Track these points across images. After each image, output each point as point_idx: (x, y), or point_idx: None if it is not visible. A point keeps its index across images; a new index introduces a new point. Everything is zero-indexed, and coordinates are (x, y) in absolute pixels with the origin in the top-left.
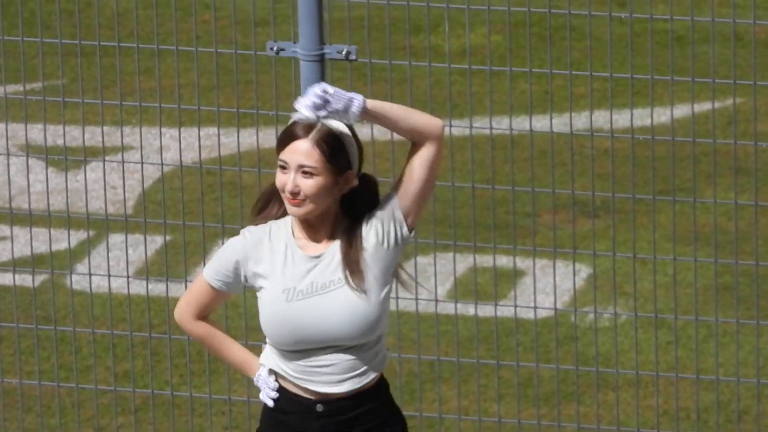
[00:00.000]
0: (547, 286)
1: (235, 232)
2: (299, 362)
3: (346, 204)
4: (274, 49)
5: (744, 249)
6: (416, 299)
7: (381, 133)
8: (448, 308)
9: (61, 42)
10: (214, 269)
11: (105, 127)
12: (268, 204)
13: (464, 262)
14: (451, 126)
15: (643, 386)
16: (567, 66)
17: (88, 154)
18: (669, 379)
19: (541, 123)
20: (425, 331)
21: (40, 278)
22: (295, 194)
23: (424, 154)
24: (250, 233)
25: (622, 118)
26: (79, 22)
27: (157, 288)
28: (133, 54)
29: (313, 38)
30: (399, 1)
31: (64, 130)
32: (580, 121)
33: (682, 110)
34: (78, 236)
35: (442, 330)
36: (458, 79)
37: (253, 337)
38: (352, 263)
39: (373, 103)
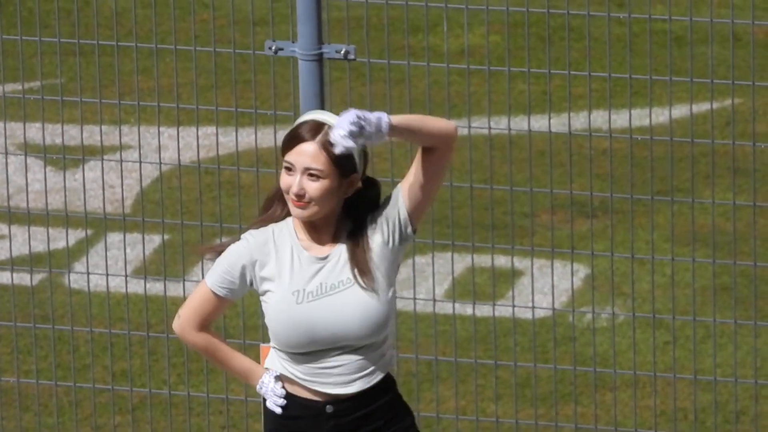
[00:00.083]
0: (545, 287)
1: (233, 232)
2: (309, 365)
3: (349, 205)
4: (273, 48)
5: (742, 249)
6: (414, 299)
7: None
8: (446, 308)
9: (59, 41)
10: (218, 276)
11: (103, 127)
12: (271, 206)
13: (462, 262)
14: None
15: (641, 386)
16: (565, 66)
17: (87, 153)
18: (667, 380)
19: (539, 123)
20: (423, 331)
21: (38, 277)
22: (300, 196)
23: (435, 158)
24: (253, 237)
25: (620, 119)
26: (77, 21)
27: (155, 287)
28: (132, 53)
29: (312, 38)
30: (397, 1)
31: (62, 129)
32: (579, 121)
33: (680, 110)
34: (76, 235)
35: (440, 330)
36: (457, 79)
37: (250, 336)
38: (360, 263)
39: (396, 119)
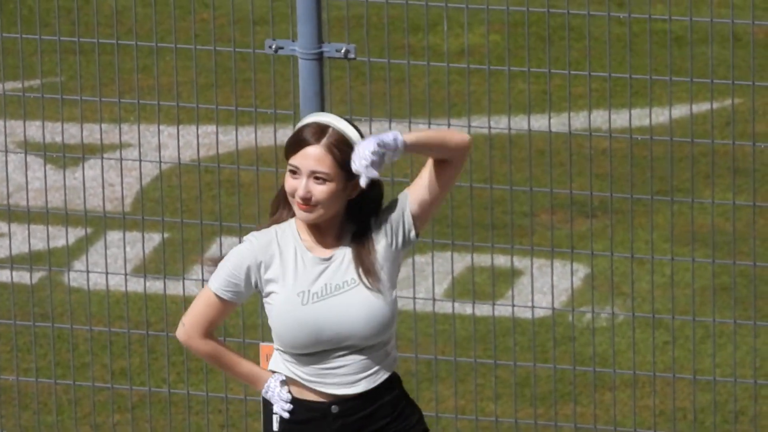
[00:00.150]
0: (544, 286)
1: (233, 230)
2: (314, 366)
3: (352, 206)
4: (273, 47)
5: (742, 249)
6: (414, 298)
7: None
8: (445, 307)
9: (59, 39)
10: (222, 280)
11: (103, 125)
12: (278, 209)
13: (462, 261)
14: (449, 126)
15: (640, 386)
16: (565, 66)
17: (86, 151)
18: (666, 380)
19: (539, 123)
20: (423, 330)
21: (37, 275)
22: (306, 200)
23: (448, 168)
24: (256, 238)
25: (620, 118)
26: (77, 20)
27: (155, 286)
28: (132, 52)
29: (312, 37)
30: (398, 0)
31: (62, 127)
32: (579, 121)
33: (680, 110)
34: (76, 234)
35: (439, 329)
36: (457, 79)
37: (250, 336)
38: (365, 263)
39: (411, 138)
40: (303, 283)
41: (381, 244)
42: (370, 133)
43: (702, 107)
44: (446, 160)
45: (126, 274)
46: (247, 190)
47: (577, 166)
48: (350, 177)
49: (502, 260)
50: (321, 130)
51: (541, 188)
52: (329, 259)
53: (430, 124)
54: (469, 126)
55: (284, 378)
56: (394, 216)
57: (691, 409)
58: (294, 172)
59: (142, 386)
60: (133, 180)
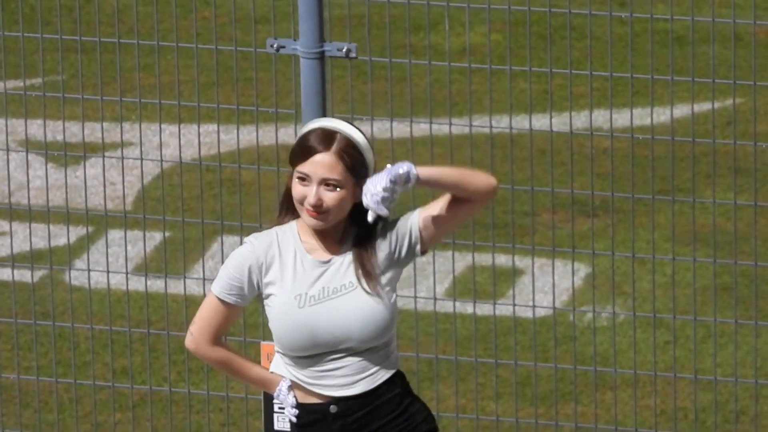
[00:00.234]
0: (545, 285)
1: (234, 229)
2: (312, 368)
3: (355, 210)
4: (275, 46)
5: (743, 249)
6: (415, 297)
7: (380, 131)
8: (446, 307)
9: (61, 38)
10: (225, 284)
11: (104, 123)
12: (282, 211)
13: (463, 260)
14: (451, 125)
15: (641, 386)
16: (567, 65)
17: (88, 150)
18: (667, 379)
19: (540, 122)
20: (424, 330)
21: (38, 274)
22: (317, 207)
23: (464, 206)
24: (257, 239)
25: (621, 118)
26: (79, 18)
27: (156, 284)
28: (133, 50)
29: (314, 36)
30: None
31: (63, 126)
32: (580, 120)
33: (681, 110)
34: (77, 232)
35: (440, 328)
36: (458, 78)
37: (251, 335)
38: (365, 267)
39: (426, 173)
40: (301, 285)
41: (384, 250)
42: (371, 131)
43: (703, 107)
44: (465, 198)
45: (127, 273)
46: (248, 189)
47: (579, 166)
48: (358, 181)
49: (503, 259)
50: (328, 136)
51: (543, 188)
52: (329, 262)
53: (431, 123)
54: (471, 125)
55: (290, 383)
56: (403, 228)
57: (692, 408)
58: (303, 179)
59: (143, 385)
60: (134, 179)
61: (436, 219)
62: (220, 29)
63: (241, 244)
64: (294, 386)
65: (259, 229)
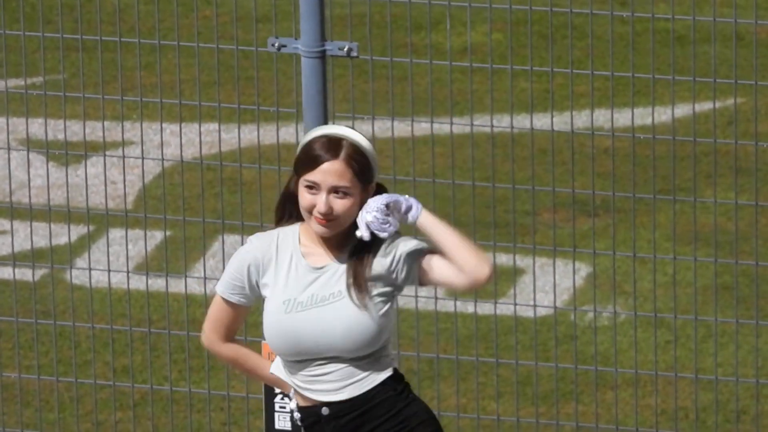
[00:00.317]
0: (546, 285)
1: (234, 228)
2: (302, 372)
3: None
4: (276, 45)
5: (744, 249)
6: (416, 296)
7: (381, 130)
8: (447, 306)
9: (62, 37)
10: (227, 283)
11: (106, 122)
12: (283, 215)
13: None
14: (452, 124)
15: (642, 385)
16: (568, 65)
17: (89, 148)
18: (668, 379)
19: (541, 121)
20: (424, 329)
21: (39, 273)
22: (327, 215)
23: (456, 278)
24: (258, 239)
25: (622, 117)
26: (80, 17)
27: (157, 283)
28: (135, 49)
29: (315, 35)
30: None
31: (64, 124)
32: (581, 119)
33: (682, 110)
34: (78, 231)
35: (441, 328)
36: (459, 77)
37: (251, 334)
38: (357, 277)
39: (425, 219)
40: (292, 290)
41: (383, 265)
42: (372, 131)
43: (704, 106)
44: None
45: (128, 272)
46: (249, 188)
47: (580, 165)
48: (365, 186)
49: (504, 259)
50: (335, 143)
51: (544, 187)
52: (322, 268)
53: (432, 122)
54: (472, 124)
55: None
56: (406, 256)
57: (693, 408)
58: (311, 187)
59: (144, 384)
60: (135, 178)
61: (429, 269)
62: (221, 28)
63: (242, 243)
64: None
65: (260, 228)
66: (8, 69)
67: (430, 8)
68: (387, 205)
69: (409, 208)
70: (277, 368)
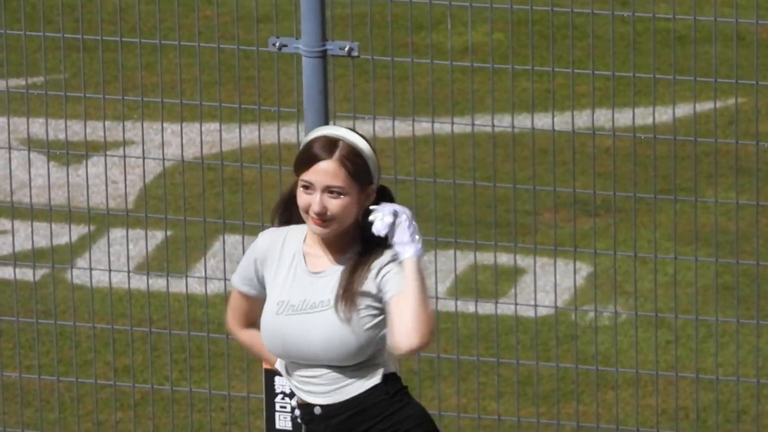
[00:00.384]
0: (547, 285)
1: (235, 228)
2: (294, 372)
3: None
4: (277, 45)
5: (744, 249)
6: None
7: (382, 130)
8: (448, 305)
9: (63, 36)
10: (239, 275)
11: (106, 122)
12: (279, 217)
13: (465, 259)
14: (453, 124)
15: (643, 385)
16: (569, 64)
17: (90, 148)
18: (668, 379)
19: (542, 121)
20: None
21: (40, 272)
22: (321, 215)
23: (389, 332)
24: (268, 234)
25: (623, 117)
26: (81, 17)
27: (158, 283)
28: (135, 49)
29: (316, 34)
30: None
31: (65, 124)
32: (582, 119)
33: (683, 109)
34: (79, 231)
35: (442, 327)
36: (460, 77)
37: None
38: (347, 289)
39: (411, 267)
40: (288, 292)
41: (375, 282)
42: (373, 131)
43: (705, 106)
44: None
45: (129, 272)
46: (250, 188)
47: (580, 165)
48: (363, 188)
49: (504, 258)
50: (331, 143)
51: (545, 187)
52: (320, 273)
53: (433, 122)
54: (473, 124)
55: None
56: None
57: (694, 408)
58: (307, 187)
59: (145, 384)
60: (136, 177)
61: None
62: (222, 28)
63: (243, 243)
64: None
65: (261, 228)
66: (9, 69)
67: (431, 8)
68: (394, 213)
69: (412, 239)
70: (280, 364)
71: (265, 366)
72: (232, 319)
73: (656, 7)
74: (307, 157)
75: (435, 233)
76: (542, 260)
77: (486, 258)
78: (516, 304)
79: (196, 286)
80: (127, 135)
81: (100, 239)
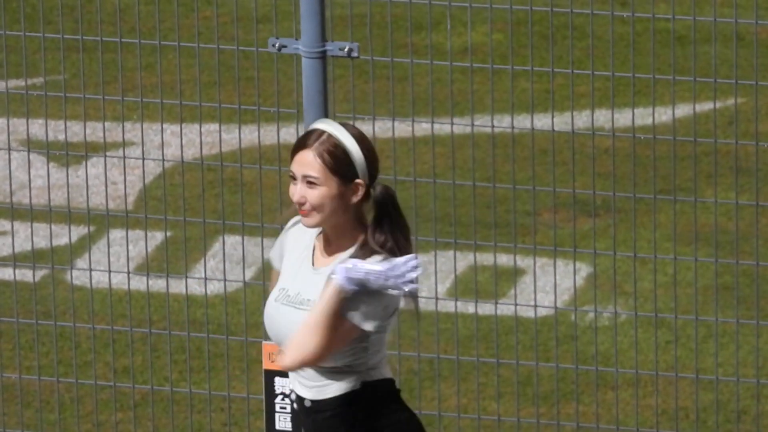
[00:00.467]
0: (547, 285)
1: (235, 229)
2: None
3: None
4: (276, 45)
5: (744, 249)
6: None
7: (382, 131)
8: (448, 306)
9: (62, 37)
10: (273, 249)
11: (106, 123)
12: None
13: (464, 260)
14: (452, 124)
15: (643, 385)
16: (568, 65)
17: (89, 149)
18: (668, 379)
19: (542, 122)
20: (425, 329)
21: (40, 273)
22: (301, 204)
23: None
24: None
25: (623, 118)
26: (80, 18)
27: (157, 284)
28: (135, 50)
29: (315, 35)
30: None
31: (65, 125)
32: (581, 120)
33: (683, 110)
34: (78, 232)
35: (441, 328)
36: (459, 77)
37: (252, 334)
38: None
39: (328, 289)
40: (290, 281)
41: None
42: (373, 131)
43: (705, 106)
44: None
45: (129, 273)
46: (249, 188)
47: (580, 165)
48: (345, 181)
49: (504, 259)
50: (315, 135)
51: (544, 187)
52: (318, 270)
53: (433, 122)
54: (473, 125)
55: None
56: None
57: (694, 408)
58: (293, 178)
59: (145, 384)
60: (135, 178)
61: None
62: (221, 28)
63: (243, 244)
64: None
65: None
66: (9, 69)
67: (431, 8)
68: (365, 283)
69: (397, 283)
70: None
71: (265, 366)
72: (270, 290)
73: (656, 7)
74: (294, 148)
75: (435, 234)
76: (542, 260)
77: (486, 258)
78: (516, 304)
79: (195, 287)
80: (126, 136)
81: (99, 240)
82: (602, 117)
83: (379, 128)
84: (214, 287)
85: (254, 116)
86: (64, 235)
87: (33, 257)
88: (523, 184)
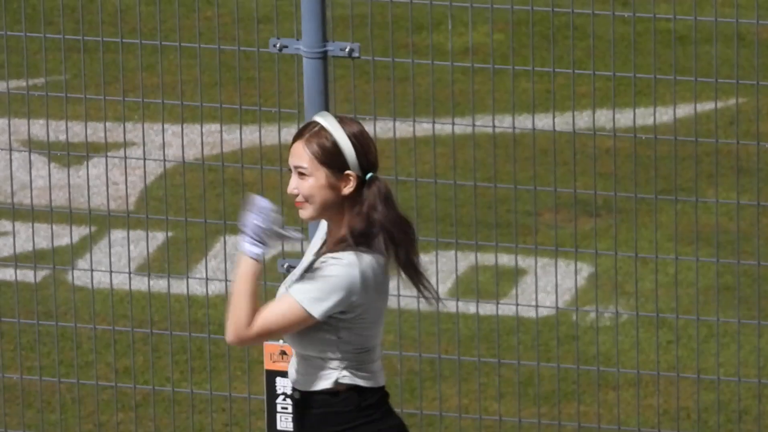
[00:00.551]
0: (548, 285)
1: (236, 229)
2: None
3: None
4: (277, 46)
5: (745, 249)
6: (417, 297)
7: (383, 131)
8: (449, 306)
9: (63, 38)
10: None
11: (107, 123)
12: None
13: (466, 260)
14: (453, 124)
15: (644, 386)
16: (569, 65)
17: (91, 149)
18: (670, 379)
19: (543, 122)
20: (426, 329)
21: (41, 274)
22: (295, 196)
23: None
24: None
25: (624, 118)
26: (81, 18)
27: (159, 284)
28: (136, 50)
29: (316, 35)
30: None
31: (66, 125)
32: (582, 120)
33: (684, 110)
34: (80, 232)
35: (443, 328)
36: (460, 77)
37: None
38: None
39: (240, 259)
40: (298, 266)
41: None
42: (374, 131)
43: (706, 107)
44: None
45: (130, 273)
46: (251, 188)
47: (581, 165)
48: (335, 172)
49: (505, 259)
50: (307, 126)
51: (545, 187)
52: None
53: (434, 122)
54: (474, 125)
55: None
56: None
57: (695, 408)
58: (290, 170)
59: (146, 385)
60: (137, 179)
61: None
62: (222, 29)
63: None
64: None
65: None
66: (10, 70)
67: (432, 9)
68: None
69: (245, 238)
70: None
71: (266, 367)
72: None
73: (657, 7)
74: (291, 141)
75: (436, 234)
76: (543, 261)
77: (487, 259)
78: (517, 304)
79: (197, 287)
80: (127, 136)
81: (101, 240)
82: (603, 117)
83: (380, 128)
84: (216, 287)
85: (255, 116)
86: (65, 236)
87: (34, 257)
88: (524, 184)
